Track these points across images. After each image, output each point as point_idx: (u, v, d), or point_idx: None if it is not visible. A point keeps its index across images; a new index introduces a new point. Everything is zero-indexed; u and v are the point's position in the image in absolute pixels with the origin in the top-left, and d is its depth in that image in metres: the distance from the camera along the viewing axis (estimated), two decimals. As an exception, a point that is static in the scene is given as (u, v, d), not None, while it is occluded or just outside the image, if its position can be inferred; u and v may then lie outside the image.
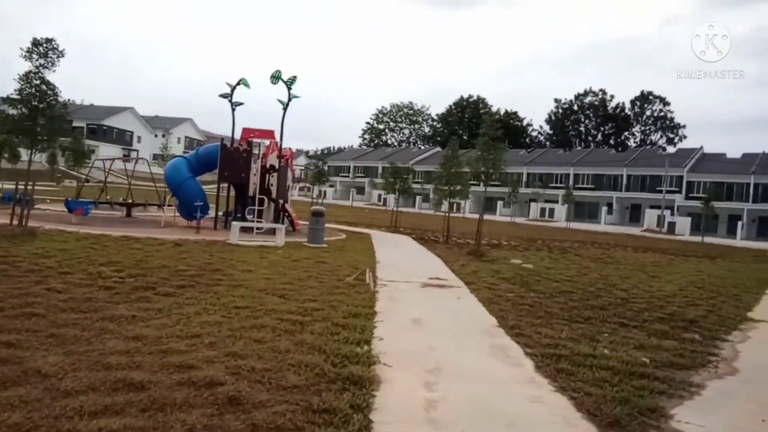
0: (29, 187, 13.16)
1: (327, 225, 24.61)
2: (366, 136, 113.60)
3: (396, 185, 29.21)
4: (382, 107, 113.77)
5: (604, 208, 61.02)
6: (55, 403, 3.51)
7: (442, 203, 23.25)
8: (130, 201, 20.79)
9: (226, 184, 18.81)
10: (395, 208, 29.27)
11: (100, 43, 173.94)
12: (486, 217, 41.28)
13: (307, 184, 40.08)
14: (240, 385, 4.04)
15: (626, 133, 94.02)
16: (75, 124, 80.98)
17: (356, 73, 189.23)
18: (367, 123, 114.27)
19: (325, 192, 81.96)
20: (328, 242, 16.11)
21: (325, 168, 67.40)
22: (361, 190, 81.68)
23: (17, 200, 19.02)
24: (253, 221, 16.75)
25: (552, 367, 5.18)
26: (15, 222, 12.33)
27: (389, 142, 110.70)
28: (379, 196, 68.57)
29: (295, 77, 17.51)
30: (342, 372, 4.51)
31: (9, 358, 4.27)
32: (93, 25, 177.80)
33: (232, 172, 17.47)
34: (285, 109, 17.65)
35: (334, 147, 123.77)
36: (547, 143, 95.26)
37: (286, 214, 19.35)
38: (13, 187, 20.62)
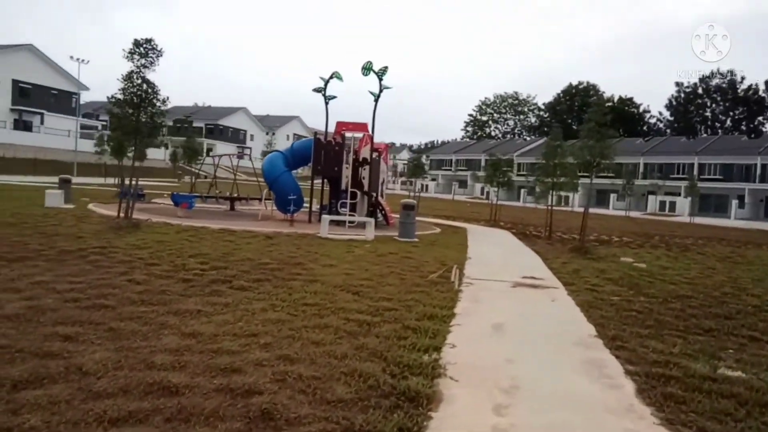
0: (135, 182, 13.90)
1: (423, 219, 24.17)
2: (469, 129, 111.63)
3: (496, 178, 28.02)
4: (486, 98, 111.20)
5: (735, 201, 54.99)
6: (82, 405, 3.30)
7: (546, 196, 21.85)
8: (234, 195, 21.63)
9: (323, 178, 18.94)
10: (495, 202, 28.10)
11: (216, 48, 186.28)
12: (597, 211, 38.64)
13: (410, 179, 39.87)
14: (280, 395, 3.62)
15: (760, 118, 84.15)
16: (195, 124, 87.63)
17: (461, 65, 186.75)
18: (470, 115, 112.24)
19: (426, 186, 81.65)
20: (420, 236, 15.58)
21: (426, 161, 66.91)
22: (463, 184, 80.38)
23: (125, 194, 20.53)
24: (345, 215, 16.65)
25: (658, 392, 4.27)
26: (123, 215, 13.07)
27: (493, 133, 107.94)
28: (482, 189, 66.89)
29: (386, 68, 17.15)
30: (399, 385, 3.95)
31: (59, 352, 4.19)
32: (209, 32, 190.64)
33: (325, 165, 17.48)
34: (376, 100, 17.35)
35: (437, 141, 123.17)
36: (668, 131, 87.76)
37: (380, 207, 19.11)
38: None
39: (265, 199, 18.80)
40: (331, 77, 18.46)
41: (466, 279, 9.12)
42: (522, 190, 63.77)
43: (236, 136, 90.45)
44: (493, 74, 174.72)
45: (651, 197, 60.06)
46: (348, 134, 18.83)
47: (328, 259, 10.07)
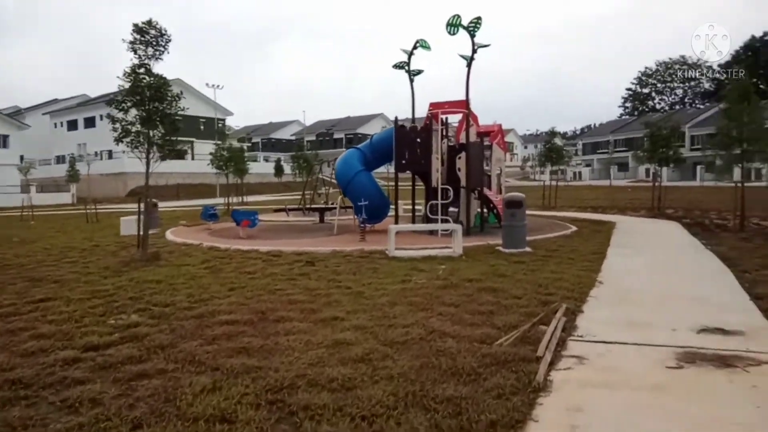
0: (145, 198, 11.27)
1: (558, 214, 19.17)
2: (627, 105, 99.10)
3: (658, 154, 21.76)
4: (646, 69, 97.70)
5: None
6: None
7: (730, 171, 15.69)
8: (317, 205, 18.72)
9: (413, 175, 15.15)
10: (659, 184, 21.91)
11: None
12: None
13: (552, 167, 34.36)
14: None
15: None
16: (336, 136, 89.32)
17: (611, 40, 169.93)
18: (628, 90, 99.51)
19: (579, 173, 73.38)
20: (538, 243, 11.08)
21: (574, 145, 59.47)
22: (623, 167, 70.69)
23: (204, 215, 18.63)
24: (436, 220, 12.66)
25: None
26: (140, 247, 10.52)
27: (657, 107, 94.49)
28: (646, 171, 57.48)
29: (479, 19, 12.79)
30: None
31: None
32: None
33: (409, 158, 13.60)
34: (469, 64, 13.09)
35: (594, 124, 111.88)
36: None
37: (491, 205, 14.77)
38: (216, 202, 20.64)
39: (341, 207, 15.46)
40: (414, 47, 14.63)
41: (576, 338, 4.73)
42: (698, 168, 53.41)
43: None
44: (652, 43, 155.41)
45: None
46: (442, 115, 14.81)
47: (351, 300, 6.28)
